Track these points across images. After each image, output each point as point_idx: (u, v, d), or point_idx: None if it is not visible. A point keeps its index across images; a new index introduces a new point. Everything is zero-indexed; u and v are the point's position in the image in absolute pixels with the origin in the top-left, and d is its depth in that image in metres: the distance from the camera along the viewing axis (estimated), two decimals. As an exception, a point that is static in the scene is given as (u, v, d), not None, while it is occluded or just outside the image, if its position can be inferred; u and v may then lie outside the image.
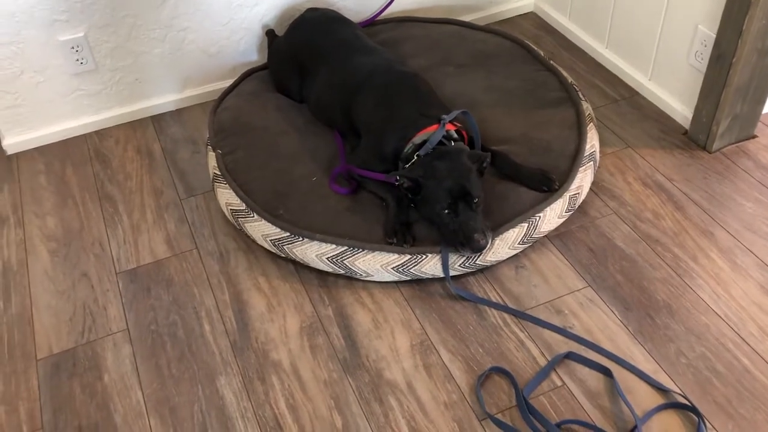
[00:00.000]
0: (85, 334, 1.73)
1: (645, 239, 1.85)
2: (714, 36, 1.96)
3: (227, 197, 1.91)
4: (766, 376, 1.53)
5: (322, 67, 2.12)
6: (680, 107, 2.20)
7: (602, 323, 1.66)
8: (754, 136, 2.12)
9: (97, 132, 2.36)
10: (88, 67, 2.24)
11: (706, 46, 2.01)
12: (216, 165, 1.99)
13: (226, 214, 1.93)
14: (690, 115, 2.14)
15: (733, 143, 2.11)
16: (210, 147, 2.06)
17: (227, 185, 1.92)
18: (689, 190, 1.98)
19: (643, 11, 2.23)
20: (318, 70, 2.13)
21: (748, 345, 1.59)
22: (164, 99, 2.41)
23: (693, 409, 1.47)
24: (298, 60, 2.19)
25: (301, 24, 2.25)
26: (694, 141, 2.13)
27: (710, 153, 2.09)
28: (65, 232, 2.01)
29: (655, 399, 1.51)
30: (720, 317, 1.65)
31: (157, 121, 2.39)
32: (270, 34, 2.38)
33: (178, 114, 2.42)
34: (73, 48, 2.18)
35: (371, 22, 2.47)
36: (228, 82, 2.37)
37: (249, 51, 2.43)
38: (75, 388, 1.62)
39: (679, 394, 1.51)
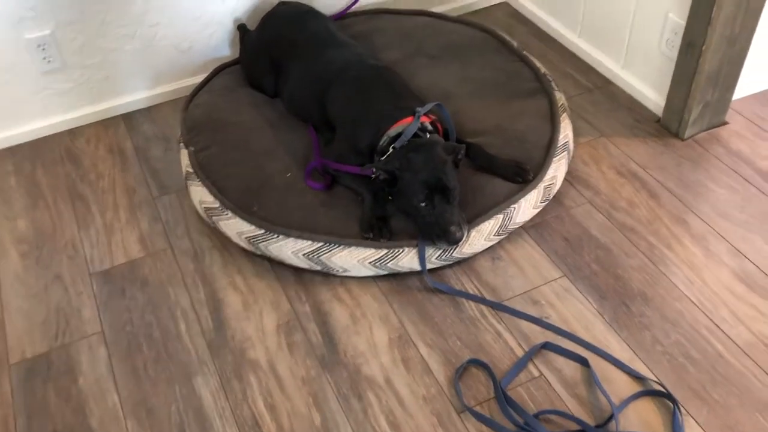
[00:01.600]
0: (59, 338, 1.71)
1: (620, 228, 1.86)
2: (684, 24, 1.97)
3: (201, 195, 1.89)
4: (738, 360, 1.55)
5: (295, 61, 2.10)
6: (653, 95, 2.21)
7: (578, 312, 1.67)
8: (725, 123, 2.14)
9: (68, 131, 2.33)
10: (56, 66, 2.20)
11: (676, 34, 2.02)
12: (189, 162, 1.97)
13: (200, 212, 1.92)
14: (662, 103, 2.15)
15: (704, 130, 2.12)
16: (182, 144, 2.04)
17: (200, 183, 1.90)
18: (663, 178, 1.99)
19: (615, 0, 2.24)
20: (291, 64, 2.11)
21: (722, 330, 1.61)
22: (135, 96, 2.38)
23: (668, 396, 1.48)
24: (271, 54, 2.17)
25: (273, 18, 2.23)
26: (666, 129, 2.15)
27: (683, 140, 2.11)
28: (37, 234, 1.98)
29: (631, 387, 1.52)
30: (694, 304, 1.67)
31: (129, 119, 2.36)
32: (242, 28, 2.35)
33: (149, 111, 2.39)
34: (39, 46, 2.14)
35: (343, 15, 2.46)
36: (200, 78, 2.35)
37: (221, 46, 2.41)
38: (49, 392, 1.60)
39: (655, 382, 1.52)
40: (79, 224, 2.00)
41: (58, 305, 1.78)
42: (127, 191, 2.09)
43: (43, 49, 2.15)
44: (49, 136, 2.31)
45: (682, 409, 1.47)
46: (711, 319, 1.63)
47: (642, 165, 2.04)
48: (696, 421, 1.45)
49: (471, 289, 1.75)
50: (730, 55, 1.96)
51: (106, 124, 2.34)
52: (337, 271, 1.75)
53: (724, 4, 1.81)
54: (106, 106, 2.35)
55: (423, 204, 1.70)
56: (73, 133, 2.32)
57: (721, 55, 1.94)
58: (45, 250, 1.93)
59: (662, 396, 1.50)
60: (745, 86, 2.16)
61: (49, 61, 2.18)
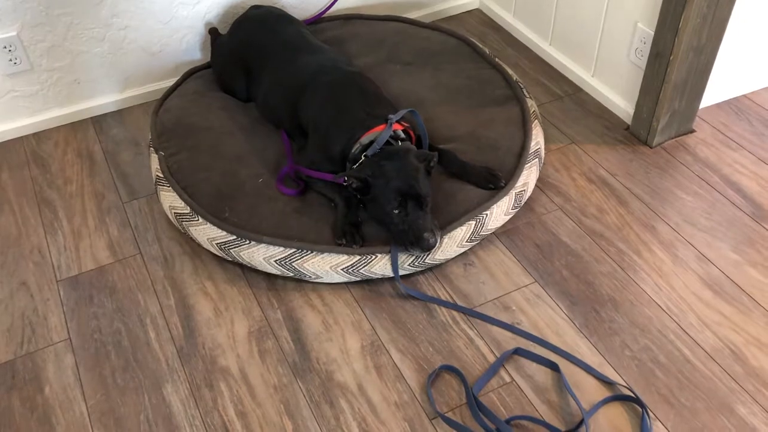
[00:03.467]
0: (24, 345, 1.67)
1: (590, 234, 1.89)
2: (652, 34, 2.00)
3: (171, 200, 1.87)
4: (705, 365, 1.58)
5: (267, 66, 2.09)
6: (622, 103, 2.24)
7: (549, 318, 1.69)
8: (692, 131, 2.18)
9: (34, 134, 2.29)
10: (22, 68, 2.16)
11: (645, 43, 2.06)
12: (159, 167, 1.94)
13: (170, 217, 1.89)
14: (632, 111, 2.18)
15: (672, 138, 2.16)
16: (153, 149, 2.01)
17: (170, 188, 1.88)
18: (632, 185, 2.02)
19: (585, 8, 2.27)
20: (263, 68, 2.10)
21: (689, 335, 1.64)
22: (105, 99, 2.35)
23: (637, 401, 1.50)
24: (243, 59, 2.15)
25: (245, 22, 2.22)
26: (635, 136, 2.18)
27: (651, 148, 2.14)
28: (1, 239, 1.93)
29: (601, 392, 1.54)
30: (662, 309, 1.70)
31: (98, 122, 2.33)
32: (213, 32, 2.33)
33: (119, 115, 2.35)
34: (5, 47, 2.10)
35: (316, 20, 2.45)
36: (170, 82, 2.32)
37: (192, 50, 2.39)
38: (14, 401, 1.56)
39: (624, 387, 1.54)
40: (45, 229, 1.96)
41: (23, 312, 1.75)
42: (95, 196, 2.05)
43: (9, 51, 2.11)
44: (14, 139, 2.27)
45: (650, 413, 1.49)
46: (679, 325, 1.66)
47: (611, 172, 2.07)
48: (664, 425, 1.48)
49: (443, 296, 1.75)
50: (696, 65, 1.99)
51: (75, 128, 2.31)
52: (310, 277, 1.74)
53: (692, 15, 1.85)
54: (75, 109, 2.32)
55: (396, 211, 1.70)
56: (39, 137, 2.27)
57: (688, 65, 1.98)
58: (10, 255, 1.89)
59: (631, 401, 1.52)
60: (712, 95, 2.21)
61: (15, 63, 2.14)
